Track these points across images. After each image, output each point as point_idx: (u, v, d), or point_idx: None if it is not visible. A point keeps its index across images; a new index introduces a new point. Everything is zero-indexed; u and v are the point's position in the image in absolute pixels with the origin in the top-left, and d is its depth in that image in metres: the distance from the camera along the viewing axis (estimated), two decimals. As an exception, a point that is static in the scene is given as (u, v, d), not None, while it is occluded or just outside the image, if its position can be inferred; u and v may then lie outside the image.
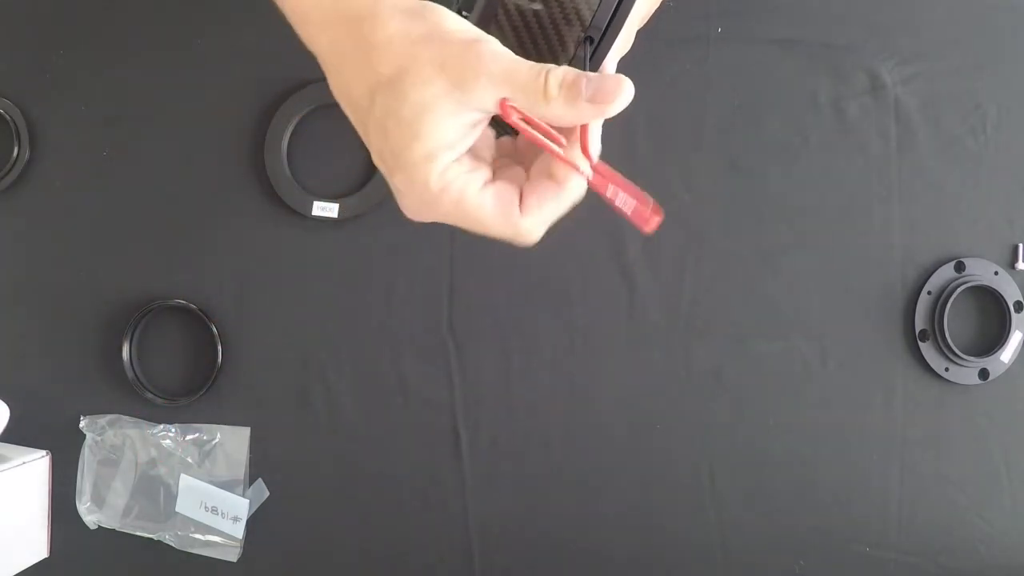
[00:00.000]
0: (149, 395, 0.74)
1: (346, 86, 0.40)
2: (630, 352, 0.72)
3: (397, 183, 0.39)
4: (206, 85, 0.74)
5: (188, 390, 0.74)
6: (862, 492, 0.71)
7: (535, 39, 0.42)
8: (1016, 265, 0.71)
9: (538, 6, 0.41)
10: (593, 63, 0.41)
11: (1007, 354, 0.71)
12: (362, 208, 0.72)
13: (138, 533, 0.74)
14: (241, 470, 0.74)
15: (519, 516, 0.73)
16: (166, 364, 0.75)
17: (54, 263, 0.75)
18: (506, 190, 0.39)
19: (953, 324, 0.71)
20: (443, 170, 0.38)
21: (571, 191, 0.40)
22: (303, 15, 0.41)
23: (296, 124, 0.73)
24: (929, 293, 0.71)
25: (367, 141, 0.40)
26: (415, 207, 0.40)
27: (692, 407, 0.72)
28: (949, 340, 0.70)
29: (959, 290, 0.70)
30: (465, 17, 0.40)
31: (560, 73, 0.37)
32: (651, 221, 0.41)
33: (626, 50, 0.46)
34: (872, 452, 0.71)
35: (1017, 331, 0.71)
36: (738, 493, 0.72)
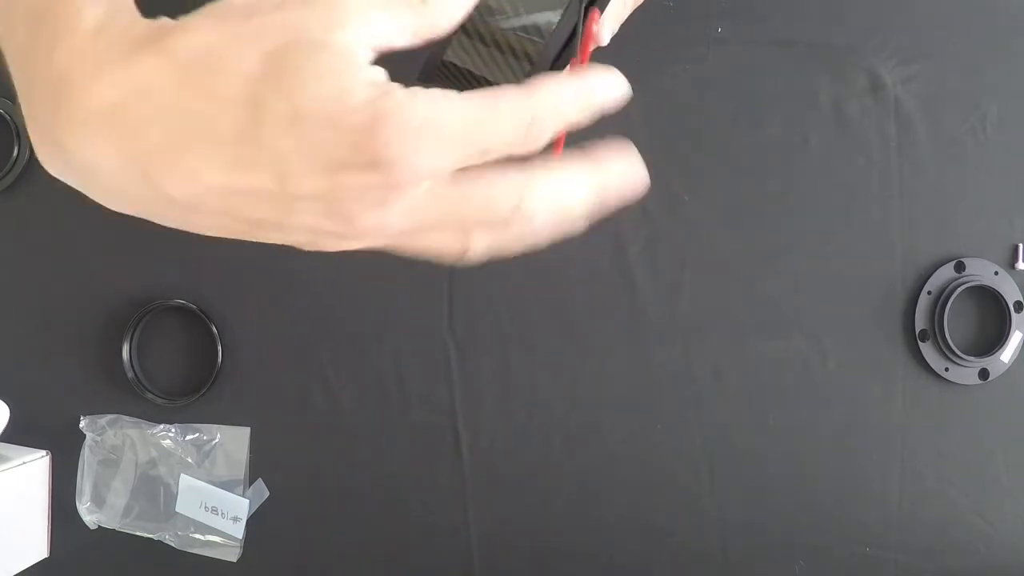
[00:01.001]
0: (149, 395, 0.74)
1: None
2: (630, 352, 0.72)
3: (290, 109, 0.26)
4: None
5: (188, 390, 0.74)
6: (862, 492, 0.71)
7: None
8: (1016, 265, 0.71)
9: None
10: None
11: (1007, 354, 0.71)
12: (362, 208, 0.72)
13: (138, 533, 0.74)
14: (241, 470, 0.74)
15: (519, 516, 0.73)
16: (166, 364, 0.75)
17: (54, 263, 0.75)
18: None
19: (953, 324, 0.71)
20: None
21: None
22: None
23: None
24: (929, 293, 0.71)
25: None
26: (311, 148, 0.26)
27: (692, 407, 0.72)
28: (949, 340, 0.70)
29: (959, 290, 0.70)
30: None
31: None
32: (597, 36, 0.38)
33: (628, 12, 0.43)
34: (872, 452, 0.71)
35: (1017, 331, 0.71)
36: (738, 493, 0.72)
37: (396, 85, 0.27)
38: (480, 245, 0.32)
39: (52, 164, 0.29)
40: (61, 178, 0.29)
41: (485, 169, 0.29)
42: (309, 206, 0.27)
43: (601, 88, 0.31)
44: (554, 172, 0.30)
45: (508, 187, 0.30)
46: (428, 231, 0.30)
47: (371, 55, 0.27)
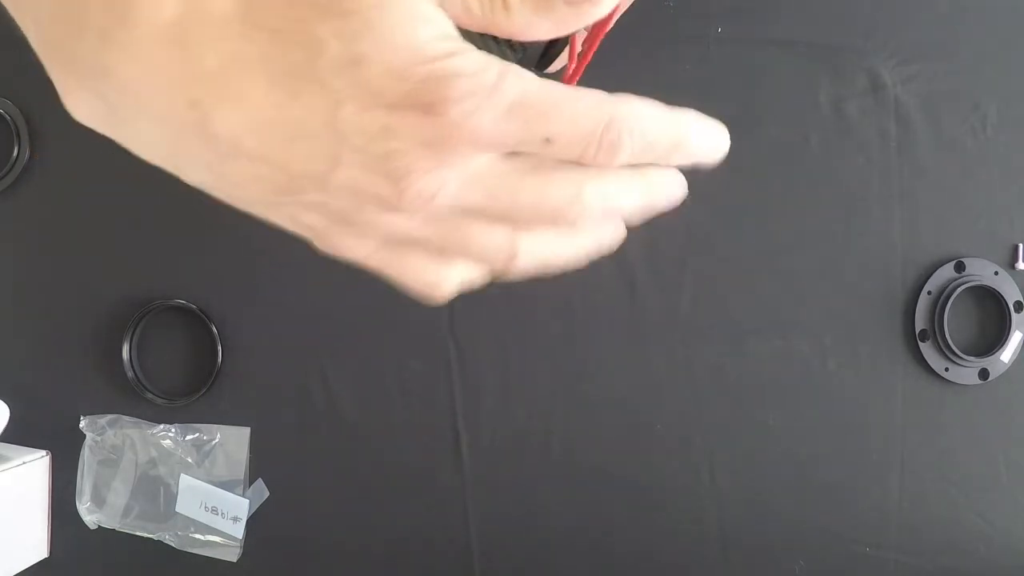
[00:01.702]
0: (149, 395, 0.74)
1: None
2: (630, 352, 0.72)
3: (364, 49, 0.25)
4: (206, 85, 0.74)
5: (188, 390, 0.74)
6: (862, 492, 0.71)
7: None
8: (1016, 265, 0.71)
9: None
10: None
11: (1007, 354, 0.71)
12: (362, 208, 0.72)
13: (138, 533, 0.74)
14: (241, 470, 0.74)
15: (519, 516, 0.73)
16: (166, 364, 0.75)
17: (54, 263, 0.75)
18: None
19: (953, 324, 0.71)
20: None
21: None
22: None
23: (296, 124, 0.73)
24: (929, 293, 0.71)
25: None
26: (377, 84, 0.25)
27: (692, 407, 0.72)
28: (949, 340, 0.70)
29: (959, 290, 0.70)
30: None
31: None
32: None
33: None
34: (872, 452, 0.71)
35: (1017, 331, 0.71)
36: (738, 493, 0.72)
37: (471, 46, 0.26)
38: (529, 248, 0.31)
39: (84, 101, 0.27)
40: (90, 121, 0.28)
41: (542, 161, 0.28)
42: (358, 156, 0.26)
43: (688, 128, 0.30)
44: (609, 174, 0.29)
45: (565, 180, 0.28)
46: (477, 220, 0.29)
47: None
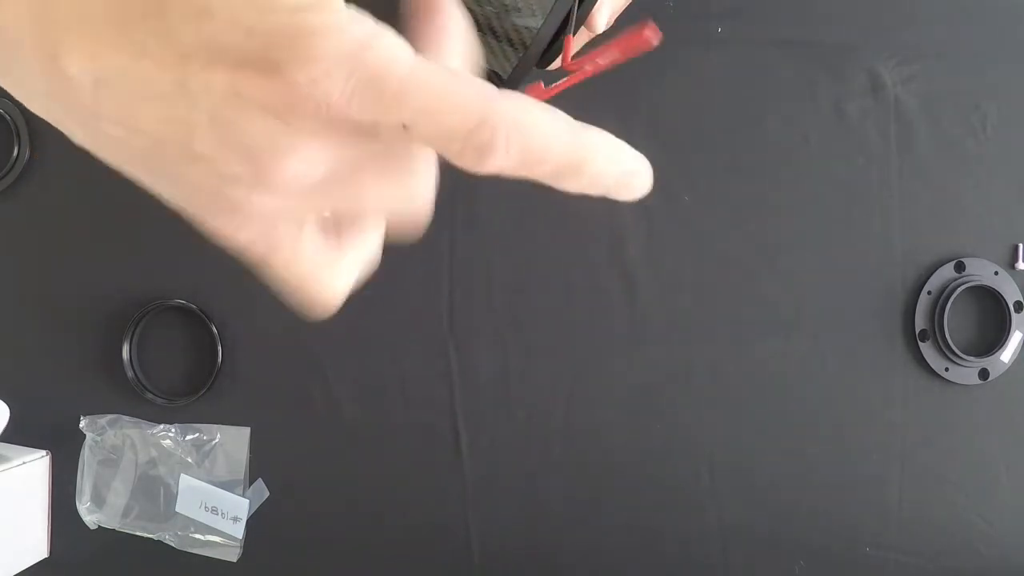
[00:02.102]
0: (149, 395, 0.74)
1: None
2: (630, 352, 0.72)
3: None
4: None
5: (188, 390, 0.74)
6: (862, 492, 0.71)
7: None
8: (1016, 265, 0.71)
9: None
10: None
11: (1007, 354, 0.71)
12: (362, 208, 0.72)
13: (138, 533, 0.74)
14: (241, 470, 0.74)
15: (519, 516, 0.73)
16: (166, 364, 0.75)
17: (54, 263, 0.75)
18: None
19: (953, 324, 0.71)
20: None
21: None
22: None
23: (296, 124, 0.73)
24: (929, 293, 0.71)
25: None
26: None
27: (692, 407, 0.72)
28: (949, 340, 0.70)
29: (959, 290, 0.70)
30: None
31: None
32: (649, 41, 0.35)
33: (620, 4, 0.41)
34: (872, 452, 0.71)
35: (1017, 331, 0.71)
36: (738, 493, 0.72)
37: (340, 1, 0.22)
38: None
39: None
40: None
41: (393, 150, 0.25)
42: (210, 123, 0.23)
43: (593, 152, 0.25)
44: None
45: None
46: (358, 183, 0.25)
47: None
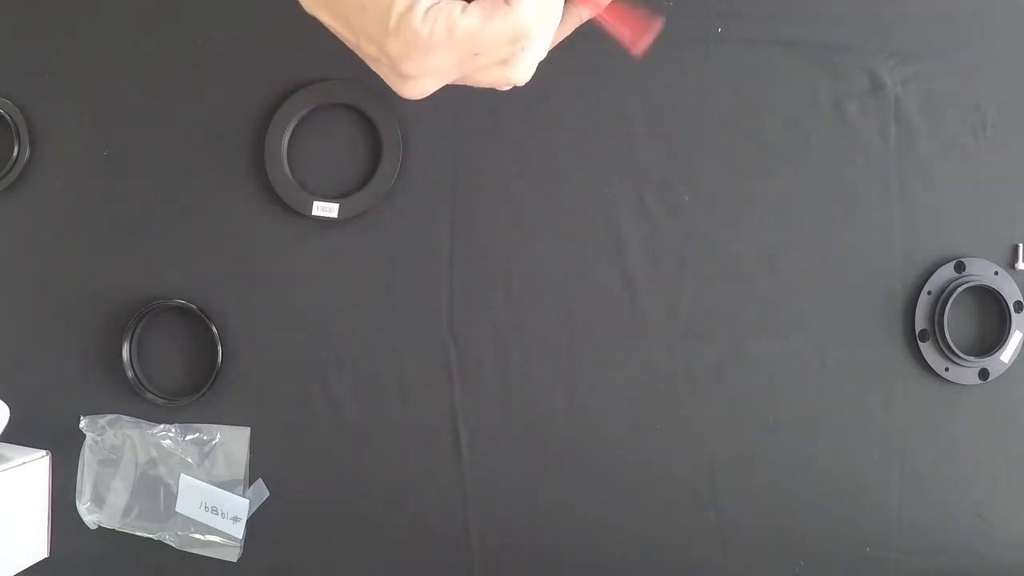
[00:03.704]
0: (149, 395, 0.74)
1: None
2: (630, 352, 0.72)
3: (391, 51, 0.40)
4: (206, 85, 0.74)
5: (188, 390, 0.74)
6: (862, 492, 0.71)
7: None
8: (1016, 265, 0.71)
9: None
10: None
11: (1007, 354, 0.71)
12: (362, 208, 0.72)
13: (138, 533, 0.74)
14: (241, 470, 0.74)
15: (519, 516, 0.73)
16: (166, 364, 0.75)
17: (54, 263, 0.75)
18: None
19: (953, 324, 0.71)
20: (424, 13, 0.39)
21: None
22: None
23: (296, 124, 0.73)
24: (929, 293, 0.71)
25: (354, 38, 0.41)
26: (418, 68, 0.41)
27: (692, 407, 0.72)
28: (949, 340, 0.70)
29: (959, 290, 0.70)
30: None
31: None
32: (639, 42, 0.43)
33: None
34: (872, 452, 0.71)
35: (1017, 331, 0.71)
36: (738, 493, 0.72)
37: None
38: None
39: None
40: None
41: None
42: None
43: None
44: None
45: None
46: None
47: None
